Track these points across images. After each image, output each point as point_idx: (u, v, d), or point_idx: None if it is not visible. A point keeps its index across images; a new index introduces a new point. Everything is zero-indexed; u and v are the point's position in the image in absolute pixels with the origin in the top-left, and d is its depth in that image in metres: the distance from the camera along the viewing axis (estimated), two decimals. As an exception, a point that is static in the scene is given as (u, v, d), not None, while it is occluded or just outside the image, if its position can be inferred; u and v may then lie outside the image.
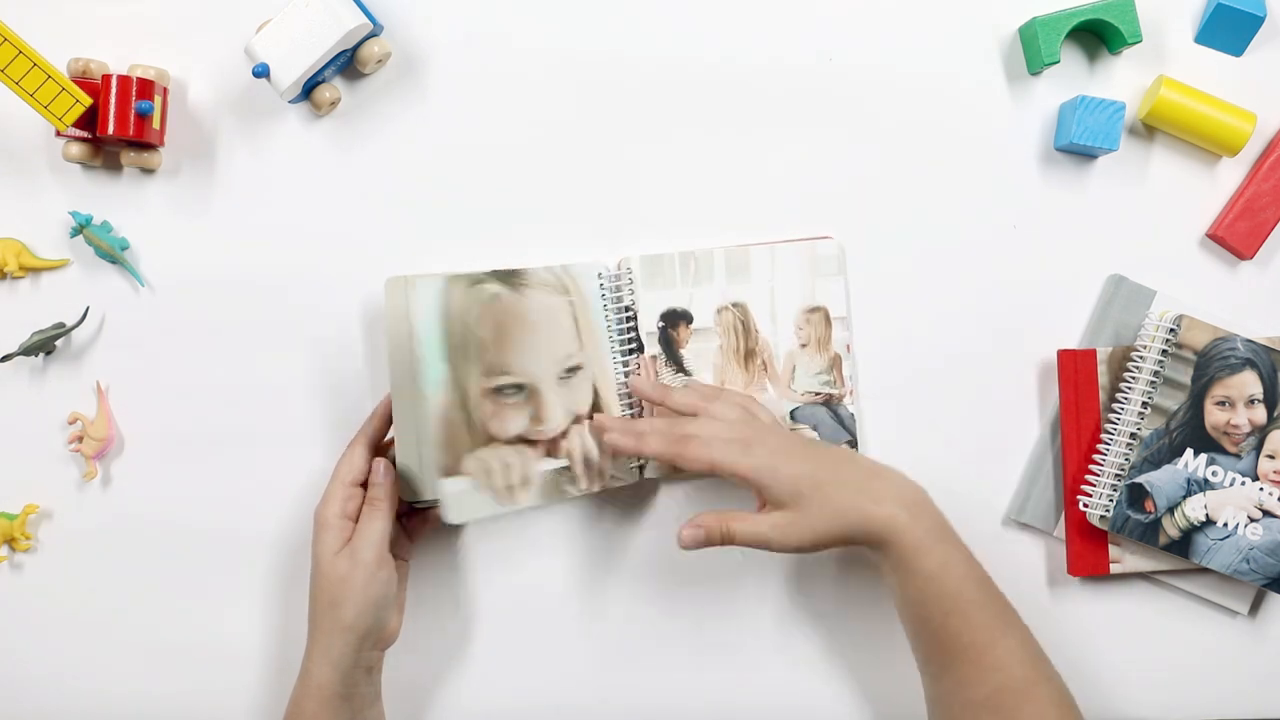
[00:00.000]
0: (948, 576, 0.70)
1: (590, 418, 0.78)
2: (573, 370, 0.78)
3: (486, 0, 0.82)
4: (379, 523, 0.74)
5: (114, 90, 0.76)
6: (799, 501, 0.70)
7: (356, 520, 0.75)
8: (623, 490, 0.81)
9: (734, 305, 0.80)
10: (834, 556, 0.82)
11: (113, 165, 0.81)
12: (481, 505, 0.74)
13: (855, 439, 0.80)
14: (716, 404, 0.75)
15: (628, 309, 0.80)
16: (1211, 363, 0.78)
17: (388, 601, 0.74)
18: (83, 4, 0.81)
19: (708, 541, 0.72)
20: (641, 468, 0.80)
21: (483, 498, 0.74)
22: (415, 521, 0.79)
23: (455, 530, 0.81)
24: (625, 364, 0.80)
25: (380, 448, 0.78)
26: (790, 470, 0.71)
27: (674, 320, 0.80)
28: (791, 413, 0.80)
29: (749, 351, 0.80)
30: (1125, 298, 0.81)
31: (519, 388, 0.76)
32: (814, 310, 0.80)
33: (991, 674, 0.70)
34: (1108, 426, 0.80)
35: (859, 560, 0.82)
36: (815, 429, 0.80)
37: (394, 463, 0.77)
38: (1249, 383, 0.78)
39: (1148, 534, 0.78)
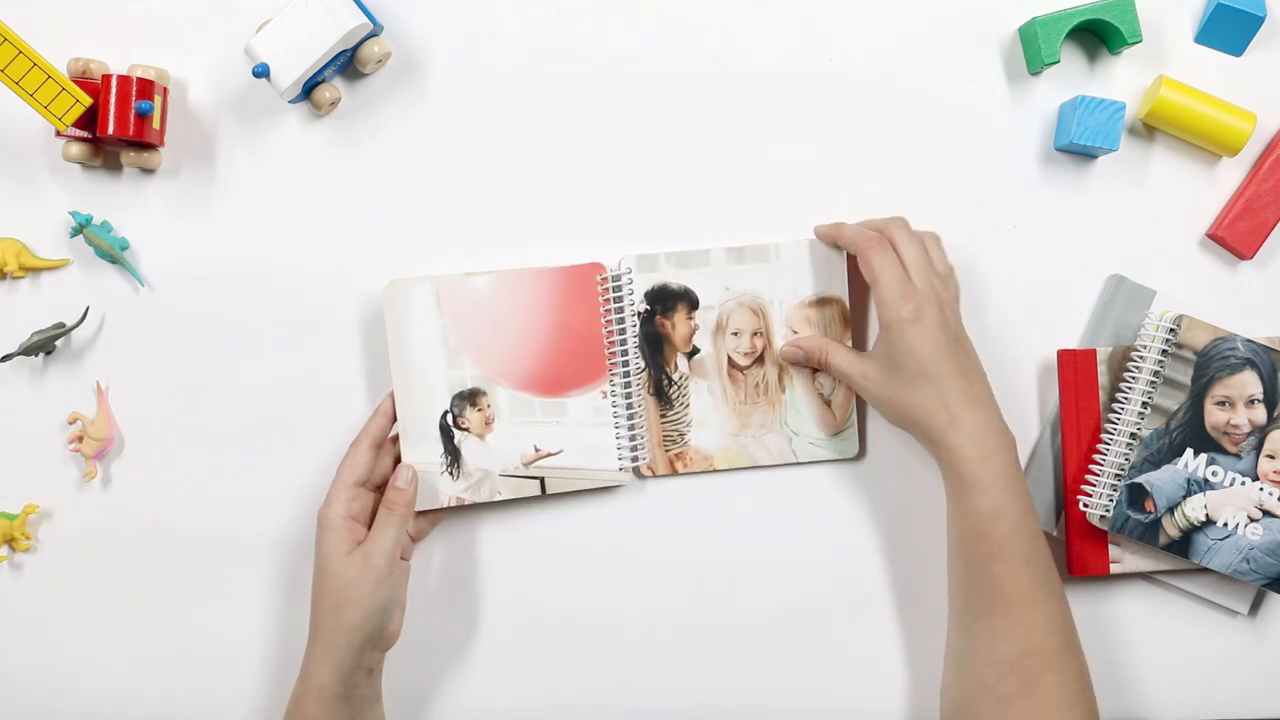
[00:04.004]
0: (999, 522, 0.71)
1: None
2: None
3: (487, 0, 0.82)
4: (394, 529, 0.74)
5: (114, 90, 0.76)
6: (897, 372, 0.73)
7: (361, 520, 0.75)
8: (622, 490, 0.81)
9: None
10: (833, 557, 0.82)
11: (113, 165, 0.81)
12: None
13: None
14: (896, 228, 0.76)
15: (621, 308, 0.80)
16: (1211, 363, 0.78)
17: (394, 605, 0.74)
18: (83, 4, 0.81)
19: (805, 360, 0.79)
20: (637, 471, 0.80)
21: None
22: (417, 522, 0.79)
23: (456, 530, 0.81)
24: (624, 364, 0.80)
25: (383, 447, 0.78)
26: (914, 344, 0.72)
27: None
28: None
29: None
30: (1125, 298, 0.81)
31: None
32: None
33: (1024, 632, 0.71)
34: (1108, 426, 0.80)
35: (856, 562, 0.82)
36: None
37: (398, 462, 0.78)
38: (1249, 383, 0.78)
39: (1148, 534, 0.78)
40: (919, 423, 0.74)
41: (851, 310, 0.80)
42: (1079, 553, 0.80)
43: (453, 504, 0.79)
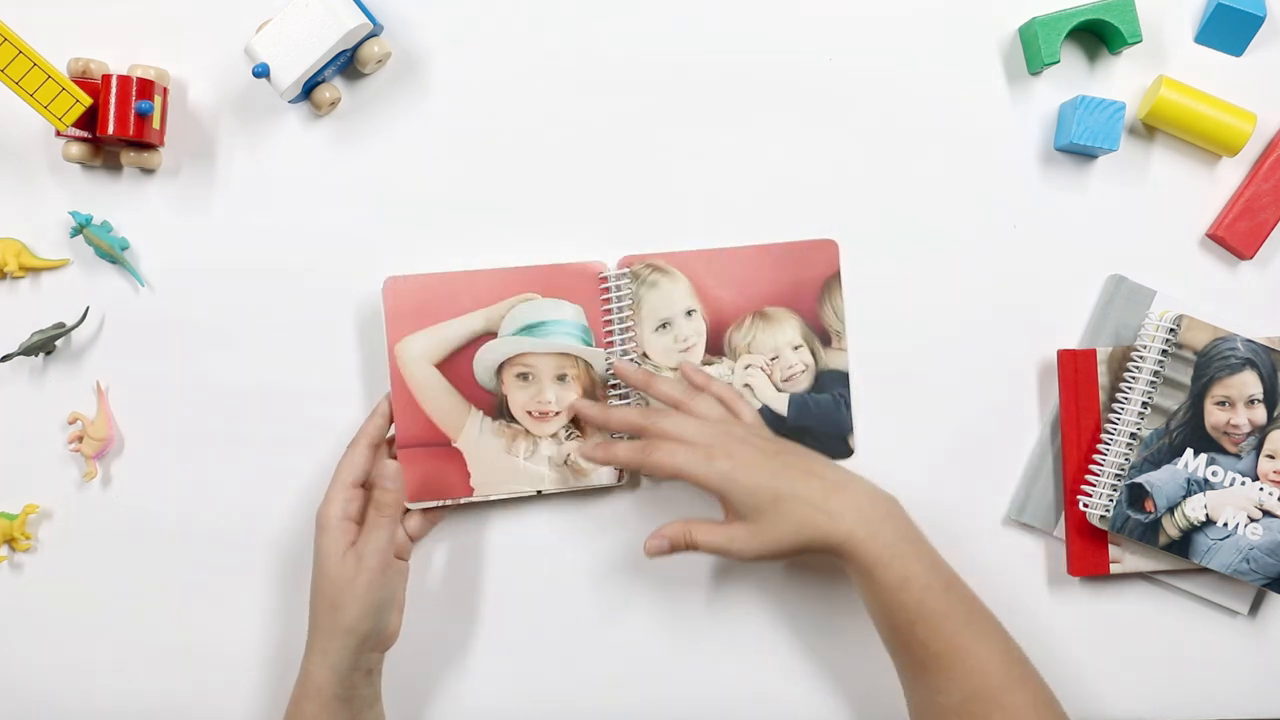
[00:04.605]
0: (909, 589, 0.71)
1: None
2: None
3: (487, 0, 0.82)
4: (385, 529, 0.74)
5: (114, 90, 0.76)
6: (758, 514, 0.71)
7: (359, 521, 0.75)
8: (620, 490, 0.81)
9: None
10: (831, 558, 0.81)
11: (113, 165, 0.81)
12: None
13: None
14: (698, 400, 0.76)
15: (621, 308, 0.80)
16: (1211, 363, 0.78)
17: (390, 605, 0.74)
18: (83, 4, 0.81)
19: (672, 549, 0.74)
20: (623, 470, 0.80)
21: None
22: (416, 522, 0.79)
23: (455, 530, 0.81)
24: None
25: (381, 447, 0.78)
26: (750, 482, 0.71)
27: None
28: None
29: None
30: (1125, 298, 0.81)
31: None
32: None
33: (964, 680, 0.70)
34: (1108, 426, 0.80)
35: (859, 560, 0.82)
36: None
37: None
38: (1249, 383, 0.78)
39: (1148, 534, 0.78)
40: (806, 539, 0.71)
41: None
42: (1079, 553, 0.80)
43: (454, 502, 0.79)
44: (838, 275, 0.81)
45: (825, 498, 0.71)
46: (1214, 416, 0.78)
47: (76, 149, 0.78)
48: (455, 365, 0.78)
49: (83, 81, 0.77)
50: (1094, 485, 0.79)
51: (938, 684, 0.71)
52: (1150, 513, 0.77)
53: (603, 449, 0.76)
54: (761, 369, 0.81)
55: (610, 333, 0.80)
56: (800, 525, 0.71)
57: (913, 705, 0.74)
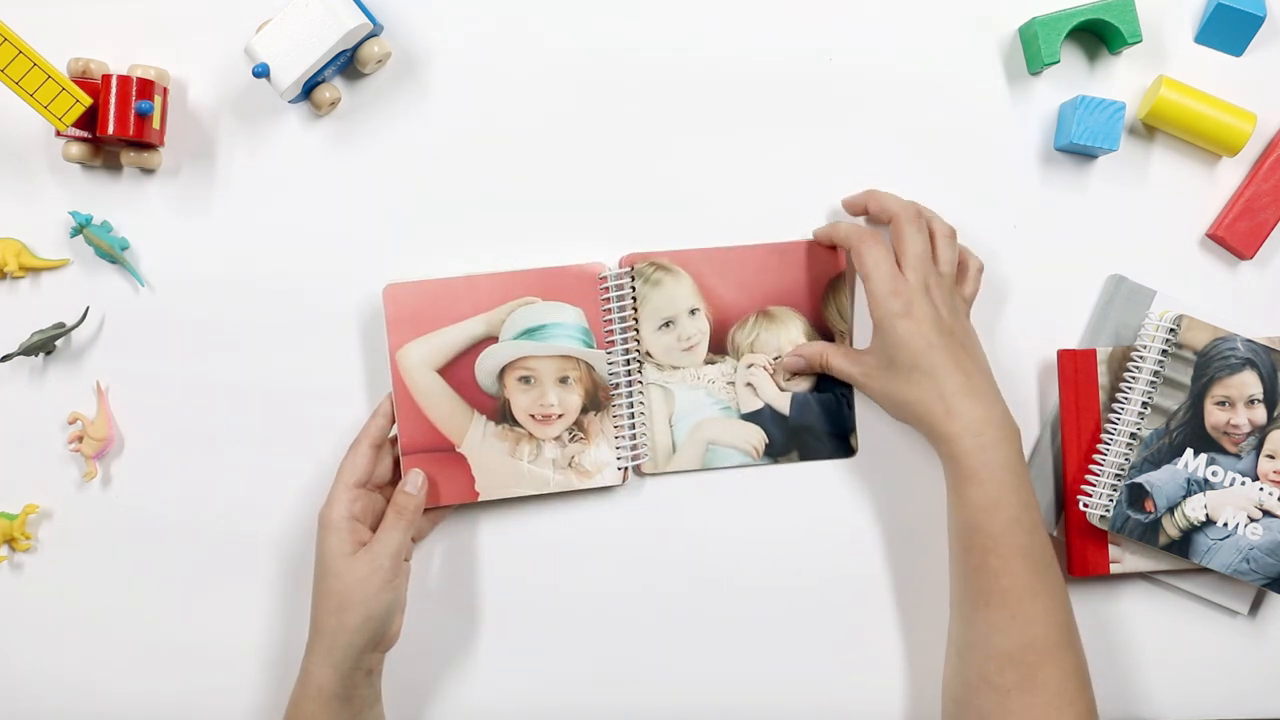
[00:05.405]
0: (994, 515, 0.71)
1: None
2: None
3: (487, 0, 0.82)
4: (401, 533, 0.74)
5: (114, 90, 0.76)
6: (893, 365, 0.74)
7: (363, 521, 0.75)
8: (621, 490, 0.81)
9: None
10: (831, 553, 0.82)
11: (113, 165, 0.81)
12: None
13: None
14: (910, 225, 0.76)
15: (621, 309, 0.80)
16: (1211, 363, 0.78)
17: (397, 607, 0.74)
18: (83, 4, 0.81)
19: (808, 368, 0.80)
20: (626, 470, 0.80)
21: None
22: (419, 522, 0.79)
23: (456, 530, 0.81)
24: (626, 365, 0.80)
25: (383, 447, 0.78)
26: (905, 337, 0.73)
27: None
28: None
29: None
30: (1125, 298, 0.81)
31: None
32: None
33: (1022, 626, 0.71)
34: (1108, 426, 0.80)
35: (855, 557, 0.82)
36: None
37: (397, 462, 0.78)
38: (1249, 383, 0.78)
39: (1148, 534, 0.78)
40: (918, 416, 0.74)
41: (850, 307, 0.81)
42: (1079, 553, 0.80)
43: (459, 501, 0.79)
44: (842, 275, 0.81)
45: (954, 394, 0.73)
46: (1214, 416, 0.78)
47: (76, 149, 0.78)
48: (457, 370, 0.78)
49: (83, 81, 0.77)
50: (1094, 485, 0.79)
51: (998, 623, 0.71)
52: (1150, 513, 0.77)
53: (830, 226, 0.80)
54: (764, 368, 0.81)
55: (611, 333, 0.80)
56: (916, 401, 0.74)
57: (960, 643, 0.74)
